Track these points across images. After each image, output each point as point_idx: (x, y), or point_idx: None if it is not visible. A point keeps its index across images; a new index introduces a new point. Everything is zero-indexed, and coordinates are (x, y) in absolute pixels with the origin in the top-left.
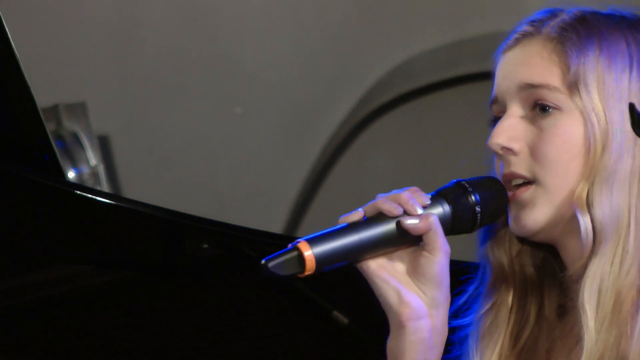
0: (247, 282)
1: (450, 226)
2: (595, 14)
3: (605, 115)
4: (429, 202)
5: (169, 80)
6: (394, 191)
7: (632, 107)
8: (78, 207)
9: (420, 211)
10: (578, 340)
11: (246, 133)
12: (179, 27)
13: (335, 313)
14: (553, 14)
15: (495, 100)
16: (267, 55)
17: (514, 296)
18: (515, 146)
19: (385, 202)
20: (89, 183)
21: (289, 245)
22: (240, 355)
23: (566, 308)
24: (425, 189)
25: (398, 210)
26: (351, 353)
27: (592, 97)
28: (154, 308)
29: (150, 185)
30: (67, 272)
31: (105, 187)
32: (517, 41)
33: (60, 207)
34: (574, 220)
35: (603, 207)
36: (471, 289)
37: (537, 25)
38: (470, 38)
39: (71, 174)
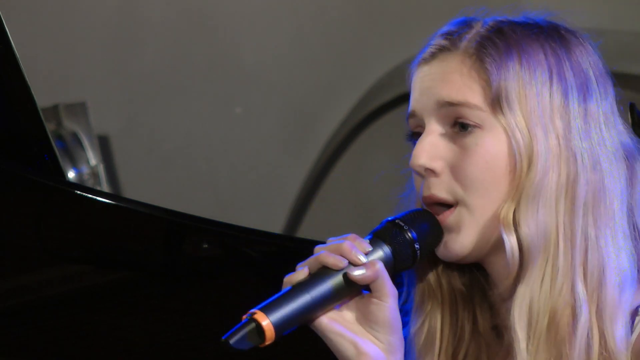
0: (247, 282)
1: (393, 267)
2: (512, 25)
3: (529, 131)
4: (370, 248)
5: (169, 80)
6: (331, 239)
7: (632, 106)
8: (78, 207)
9: (364, 260)
10: None
11: (246, 133)
12: (179, 27)
13: None
14: (468, 25)
15: (412, 115)
16: (267, 55)
17: (444, 312)
18: (437, 166)
19: (328, 256)
20: (89, 183)
21: (245, 317)
22: (240, 355)
23: (500, 328)
24: None
25: (343, 263)
26: None
27: (515, 114)
28: (154, 308)
29: (150, 185)
30: (67, 272)
31: (105, 187)
32: (434, 55)
33: (60, 207)
34: (500, 240)
35: (529, 225)
36: (399, 303)
37: (455, 39)
38: None
39: (71, 174)
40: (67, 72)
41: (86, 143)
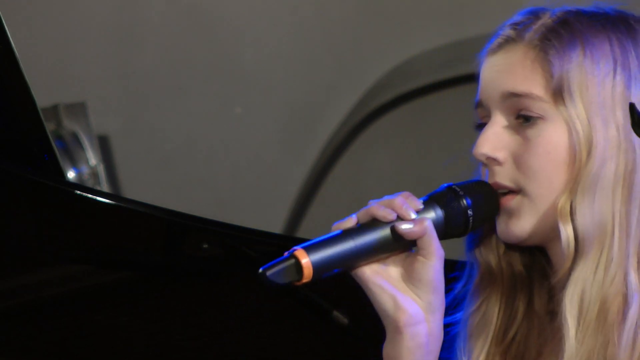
0: (247, 282)
1: (443, 230)
2: (579, 15)
3: (588, 122)
4: (422, 206)
5: (169, 80)
6: (386, 197)
7: (632, 107)
8: (78, 207)
9: (414, 216)
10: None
11: (246, 133)
12: (179, 27)
13: (336, 313)
14: (535, 15)
15: (479, 104)
16: (267, 55)
17: (502, 294)
18: (500, 155)
19: (379, 208)
20: (89, 183)
21: (286, 253)
22: (240, 355)
23: (555, 313)
24: (425, 189)
25: (392, 216)
26: (351, 353)
27: (577, 105)
28: (154, 308)
29: (150, 185)
30: (67, 272)
31: (105, 187)
32: (500, 46)
33: (60, 207)
34: (558, 228)
35: (585, 215)
36: (459, 286)
37: (520, 30)
38: (470, 38)
39: (71, 174)
40: (67, 72)
41: (86, 143)
